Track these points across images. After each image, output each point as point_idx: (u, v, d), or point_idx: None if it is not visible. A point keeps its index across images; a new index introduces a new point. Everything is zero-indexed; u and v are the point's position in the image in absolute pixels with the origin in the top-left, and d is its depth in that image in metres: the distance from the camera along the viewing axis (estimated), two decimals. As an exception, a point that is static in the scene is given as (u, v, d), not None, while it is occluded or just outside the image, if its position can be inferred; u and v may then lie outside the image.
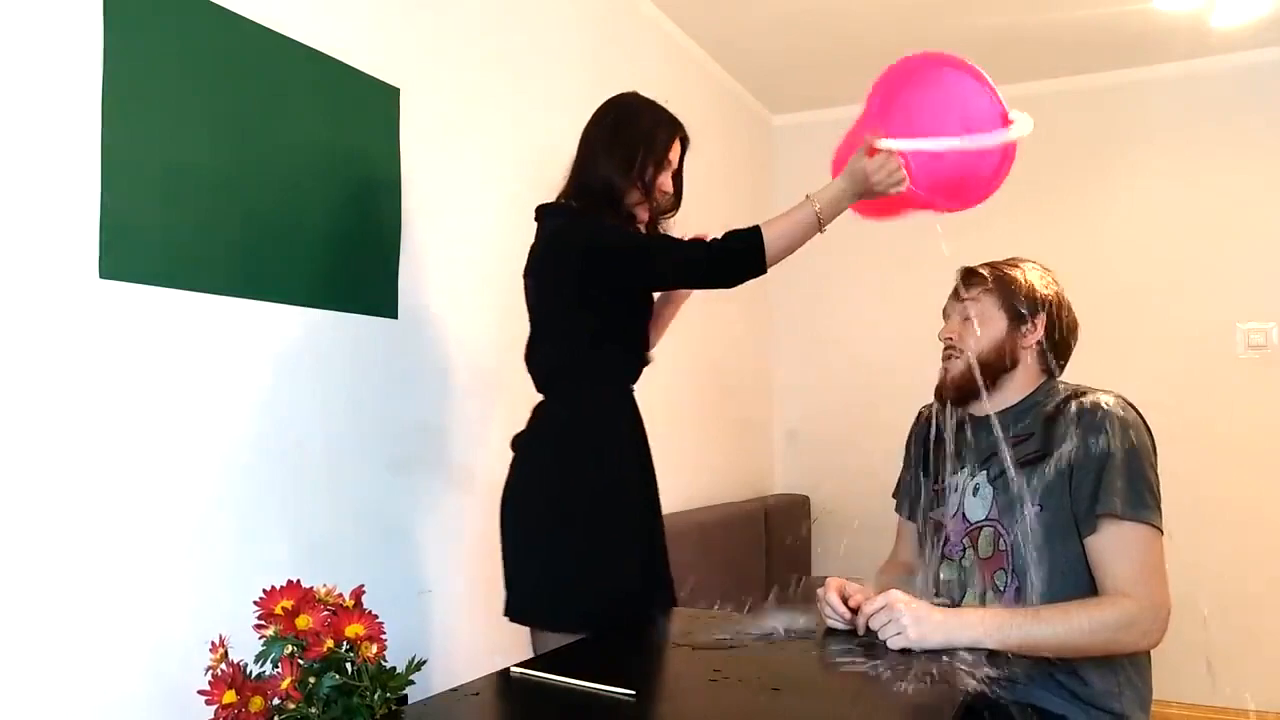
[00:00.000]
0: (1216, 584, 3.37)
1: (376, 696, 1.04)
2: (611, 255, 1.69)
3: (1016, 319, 1.60)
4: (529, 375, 1.79)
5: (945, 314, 1.71)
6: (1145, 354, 3.52)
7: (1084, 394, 1.54)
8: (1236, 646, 3.39)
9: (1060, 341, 1.63)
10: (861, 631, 1.44)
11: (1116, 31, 3.29)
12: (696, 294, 3.58)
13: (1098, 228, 3.66)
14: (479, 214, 2.25)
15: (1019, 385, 1.61)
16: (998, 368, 1.59)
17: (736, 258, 1.66)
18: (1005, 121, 1.74)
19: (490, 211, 2.29)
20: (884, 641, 1.37)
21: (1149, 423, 1.52)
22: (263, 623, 1.05)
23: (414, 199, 2.03)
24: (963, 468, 1.63)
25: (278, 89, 1.70)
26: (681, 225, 3.47)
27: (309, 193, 1.77)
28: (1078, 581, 1.46)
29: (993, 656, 1.36)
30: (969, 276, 1.67)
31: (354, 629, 1.05)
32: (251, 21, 1.64)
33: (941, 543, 1.63)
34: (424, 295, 2.05)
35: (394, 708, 1.06)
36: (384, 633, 1.08)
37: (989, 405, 1.61)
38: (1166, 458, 1.51)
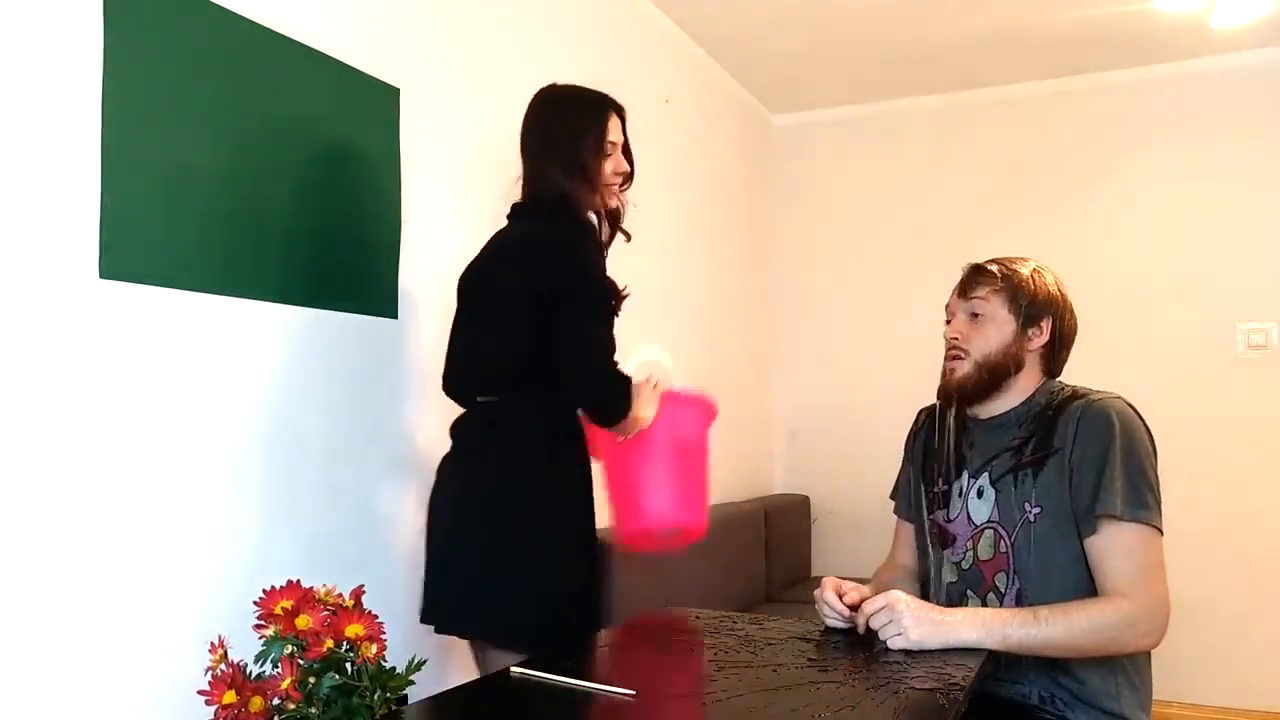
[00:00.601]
0: (1216, 584, 3.38)
1: (376, 696, 1.04)
2: (569, 316, 1.64)
3: (1025, 322, 1.57)
4: (459, 375, 1.78)
5: (949, 310, 1.66)
6: (1145, 354, 3.52)
7: (1084, 395, 1.53)
8: (1236, 646, 3.39)
9: (1063, 343, 1.62)
10: (862, 630, 1.44)
11: (1116, 31, 3.29)
12: (696, 294, 3.57)
13: (1097, 228, 3.66)
14: (479, 214, 2.25)
15: (1022, 387, 1.59)
16: (1003, 371, 1.57)
17: (602, 410, 1.65)
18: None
19: (490, 212, 2.29)
20: (884, 641, 1.37)
21: (1148, 423, 1.52)
22: (263, 623, 1.05)
23: (414, 199, 2.03)
24: (965, 470, 1.62)
25: (278, 89, 1.70)
26: (681, 224, 3.48)
27: (309, 193, 1.77)
28: (1078, 582, 1.46)
29: (994, 657, 1.36)
30: (977, 274, 1.62)
31: (354, 629, 1.05)
32: (251, 21, 1.64)
33: (944, 544, 1.63)
34: (424, 295, 2.05)
35: (394, 708, 1.06)
36: (384, 633, 1.08)
37: (991, 407, 1.61)
38: (1165, 458, 1.51)
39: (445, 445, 1.78)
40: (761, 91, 3.96)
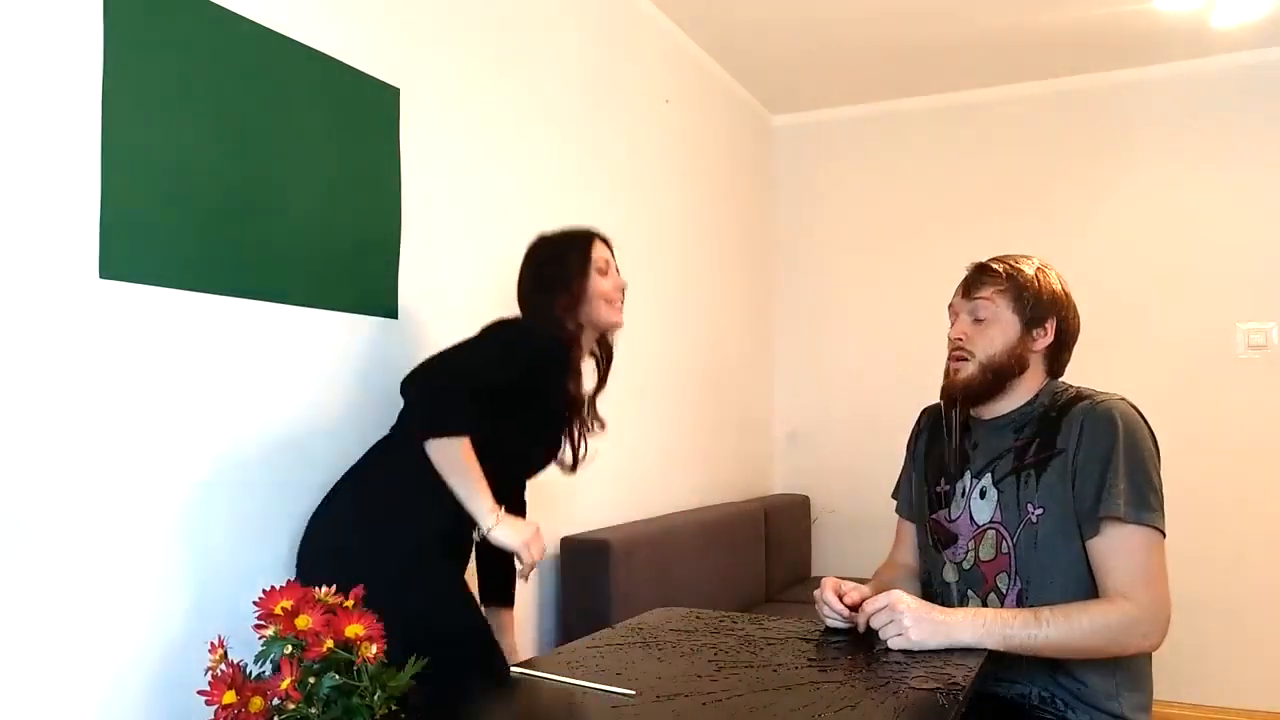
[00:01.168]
0: (1216, 584, 3.38)
1: (376, 696, 1.04)
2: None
3: (1030, 323, 1.56)
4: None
5: (953, 311, 1.65)
6: (1145, 354, 3.52)
7: (1088, 397, 1.53)
8: (1236, 646, 3.39)
9: (1067, 343, 1.61)
10: (862, 629, 1.44)
11: (1116, 31, 3.29)
12: (696, 294, 3.58)
13: (1097, 228, 3.66)
14: (479, 214, 2.25)
15: (1025, 388, 1.59)
16: (1007, 372, 1.56)
17: (430, 409, 1.63)
18: None
19: (490, 211, 2.29)
20: (885, 641, 1.37)
21: (1149, 423, 1.52)
22: (262, 623, 1.05)
23: (414, 199, 2.03)
24: (968, 470, 1.62)
25: (278, 89, 1.70)
26: (681, 224, 3.48)
27: (309, 193, 1.77)
28: (1079, 583, 1.46)
29: (994, 657, 1.36)
30: (981, 273, 1.61)
31: (354, 629, 1.05)
32: (252, 22, 1.64)
33: (946, 544, 1.63)
34: (424, 295, 2.05)
35: (394, 708, 1.06)
36: (384, 633, 1.08)
37: (994, 408, 1.60)
38: (1166, 458, 1.51)
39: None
40: (761, 91, 3.96)
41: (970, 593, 1.57)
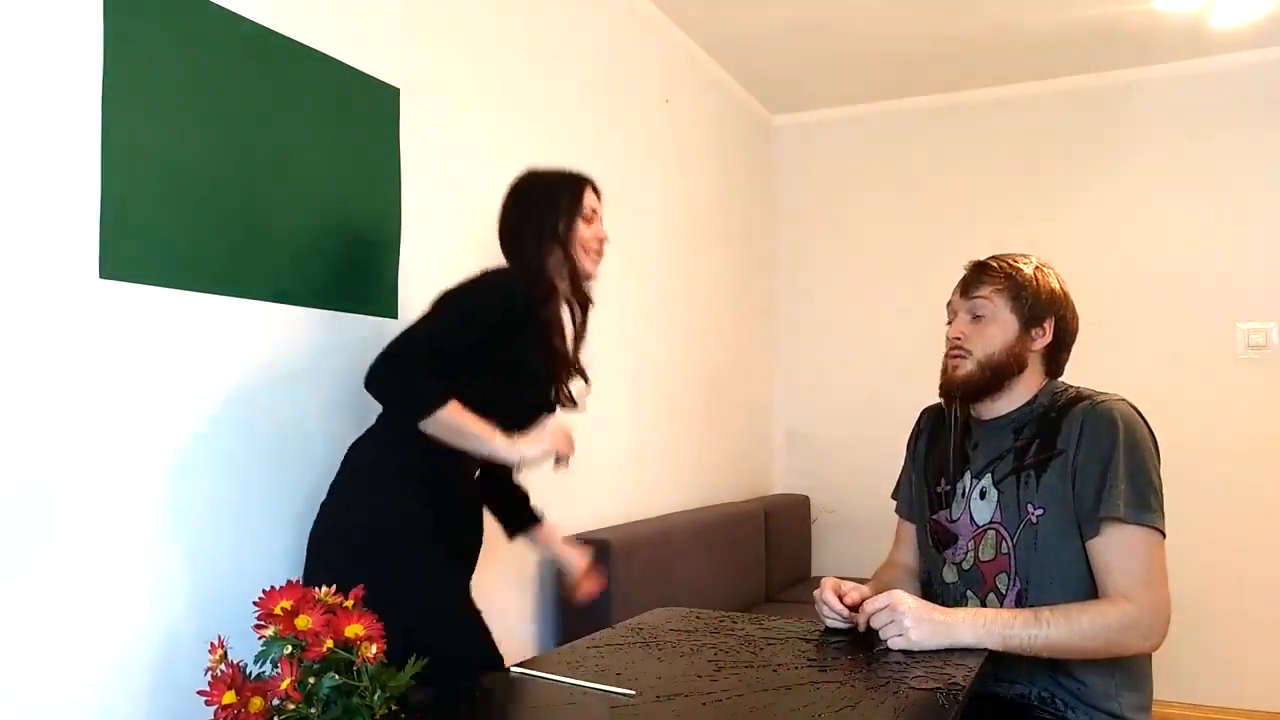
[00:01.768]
0: (1216, 584, 3.38)
1: (376, 696, 1.04)
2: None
3: (1028, 322, 1.56)
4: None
5: (951, 309, 1.65)
6: (1145, 354, 3.52)
7: (1088, 397, 1.53)
8: (1236, 646, 3.39)
9: (1065, 343, 1.61)
10: (862, 629, 1.44)
11: (1116, 31, 3.29)
12: (697, 294, 3.57)
13: (1097, 228, 3.66)
14: (479, 214, 2.25)
15: (1024, 388, 1.59)
16: (1005, 372, 1.56)
17: (399, 399, 1.62)
18: None
19: (490, 211, 2.28)
20: (885, 641, 1.37)
21: (1149, 423, 1.52)
22: (262, 623, 1.05)
23: (414, 199, 2.03)
24: (968, 470, 1.62)
25: (278, 89, 1.70)
26: (681, 224, 3.48)
27: (309, 193, 1.77)
28: (1079, 584, 1.46)
29: (994, 657, 1.36)
30: (979, 272, 1.61)
31: (354, 629, 1.05)
32: (252, 21, 1.64)
33: (945, 544, 1.63)
34: (424, 295, 2.04)
35: (394, 708, 1.06)
36: (384, 633, 1.08)
37: (994, 408, 1.60)
38: (1166, 458, 1.50)
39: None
40: (761, 91, 3.96)
41: (970, 593, 1.57)
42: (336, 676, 1.03)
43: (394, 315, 1.97)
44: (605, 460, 2.83)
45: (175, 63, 1.51)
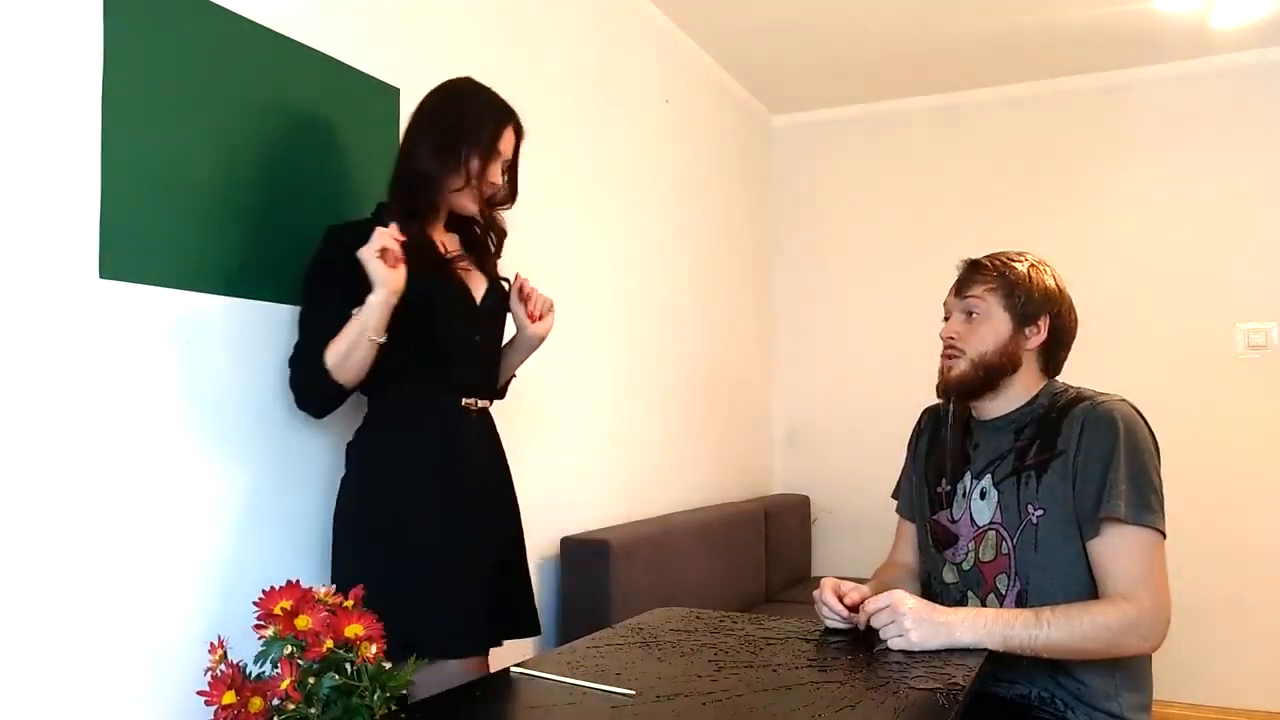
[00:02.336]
0: (1217, 584, 3.38)
1: (376, 696, 1.04)
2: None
3: (1022, 321, 1.57)
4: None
5: (946, 309, 1.66)
6: (1145, 354, 3.52)
7: (1088, 397, 1.53)
8: (1236, 646, 3.39)
9: (1062, 341, 1.61)
10: (862, 628, 1.44)
11: (1116, 31, 3.29)
12: (697, 294, 3.57)
13: (1097, 228, 3.66)
14: (479, 214, 2.25)
15: (1021, 388, 1.59)
16: (999, 371, 1.57)
17: (295, 388, 1.63)
18: None
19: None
20: (885, 641, 1.37)
21: (1149, 423, 1.52)
22: (262, 623, 1.05)
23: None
24: (969, 470, 1.62)
25: (278, 89, 1.70)
26: (681, 224, 3.48)
27: (309, 193, 1.77)
28: (1080, 584, 1.46)
29: (994, 658, 1.36)
30: (973, 271, 1.61)
31: (353, 629, 1.05)
32: (251, 21, 1.64)
33: (946, 544, 1.63)
34: (424, 295, 2.05)
35: (394, 708, 1.06)
36: (384, 633, 1.08)
37: (993, 408, 1.60)
38: (1166, 458, 1.51)
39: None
40: (761, 91, 3.96)
41: (970, 593, 1.57)
42: (336, 676, 1.03)
43: (394, 315, 1.97)
44: (605, 460, 2.83)
45: (175, 63, 1.51)
